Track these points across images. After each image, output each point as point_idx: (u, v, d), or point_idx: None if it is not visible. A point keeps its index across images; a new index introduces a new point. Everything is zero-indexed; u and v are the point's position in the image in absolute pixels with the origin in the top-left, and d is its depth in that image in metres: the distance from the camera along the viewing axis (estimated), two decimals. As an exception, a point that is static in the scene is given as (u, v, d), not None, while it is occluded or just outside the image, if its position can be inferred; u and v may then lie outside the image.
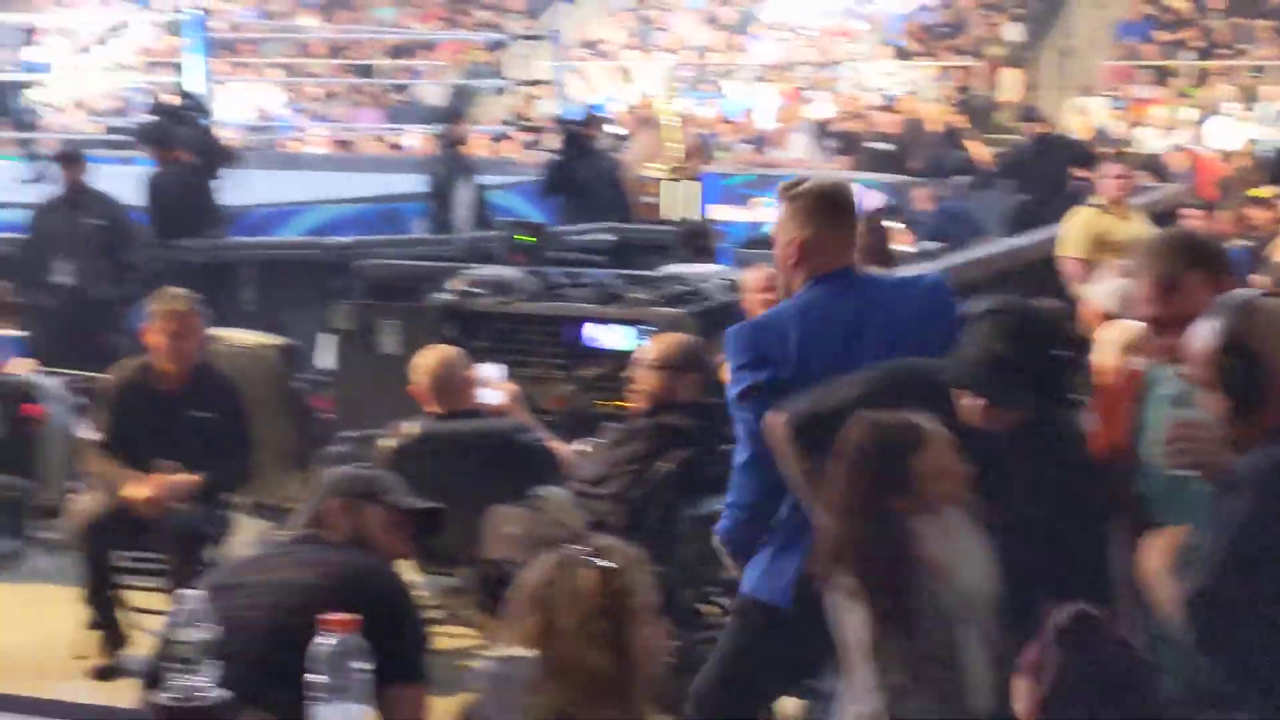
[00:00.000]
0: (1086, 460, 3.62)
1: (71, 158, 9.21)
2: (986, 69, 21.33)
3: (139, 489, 5.76)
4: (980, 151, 15.88)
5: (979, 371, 3.55)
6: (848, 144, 17.27)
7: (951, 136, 16.23)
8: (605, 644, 2.68)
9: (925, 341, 3.76)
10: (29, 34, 15.47)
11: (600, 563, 2.73)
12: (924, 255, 9.15)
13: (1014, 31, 22.11)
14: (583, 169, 11.52)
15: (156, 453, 5.90)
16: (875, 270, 7.72)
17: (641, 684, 2.73)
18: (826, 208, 3.94)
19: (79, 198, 9.05)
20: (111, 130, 13.91)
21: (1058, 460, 3.58)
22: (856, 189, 5.51)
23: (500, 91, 18.49)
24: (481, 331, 7.16)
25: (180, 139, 9.85)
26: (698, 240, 8.10)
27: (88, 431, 6.22)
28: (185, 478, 5.81)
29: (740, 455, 3.90)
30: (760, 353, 3.84)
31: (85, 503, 6.00)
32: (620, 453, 5.16)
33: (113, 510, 5.81)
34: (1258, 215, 10.73)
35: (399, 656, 3.22)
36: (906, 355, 3.75)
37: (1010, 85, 21.25)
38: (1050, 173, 12.47)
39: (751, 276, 6.82)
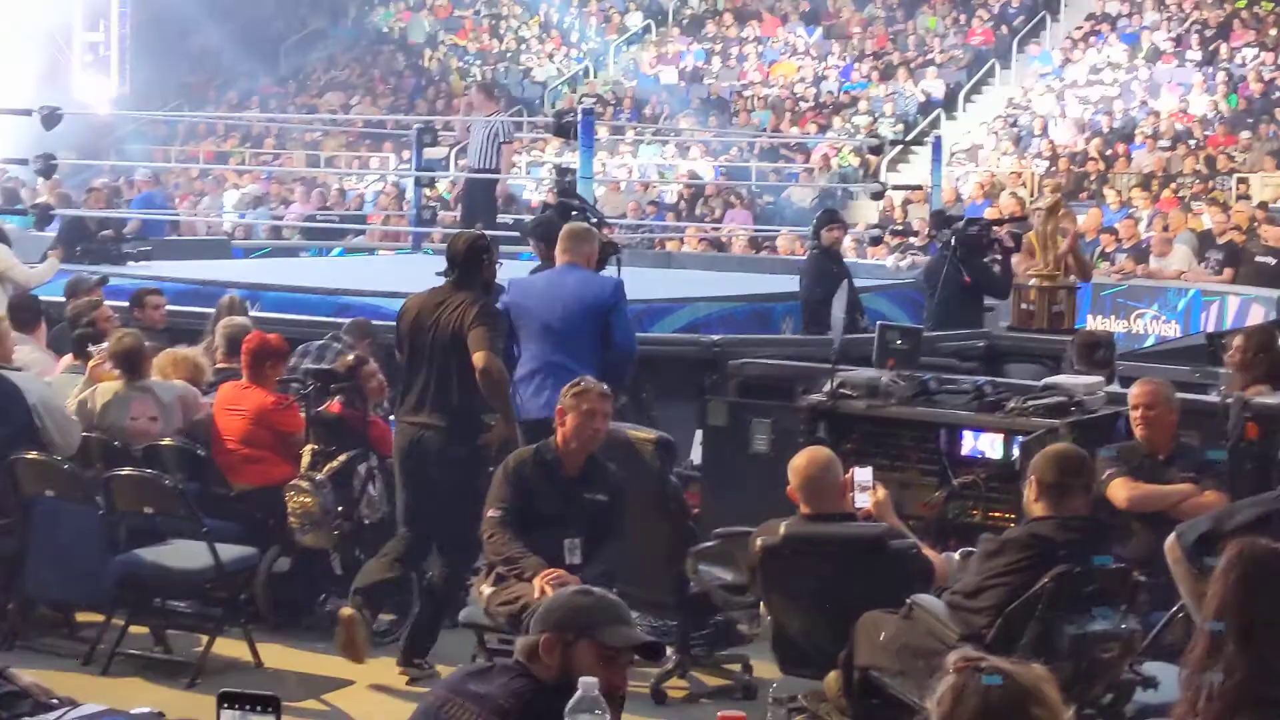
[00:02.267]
0: None
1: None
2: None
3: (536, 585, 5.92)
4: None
5: None
6: (1232, 256, 16.62)
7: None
8: None
9: None
10: (432, 134, 16.32)
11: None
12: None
13: None
14: (971, 270, 11.46)
15: (551, 531, 6.13)
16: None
17: None
18: None
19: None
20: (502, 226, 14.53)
21: None
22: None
23: (875, 196, 18.53)
24: (852, 434, 7.17)
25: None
26: (1096, 352, 7.92)
27: (490, 509, 6.40)
28: (569, 576, 5.93)
29: None
30: None
31: (516, 586, 6.06)
32: (997, 563, 5.06)
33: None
34: None
35: None
36: None
37: None
38: None
39: (1136, 391, 6.65)
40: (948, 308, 11.51)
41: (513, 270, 11.32)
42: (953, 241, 11.31)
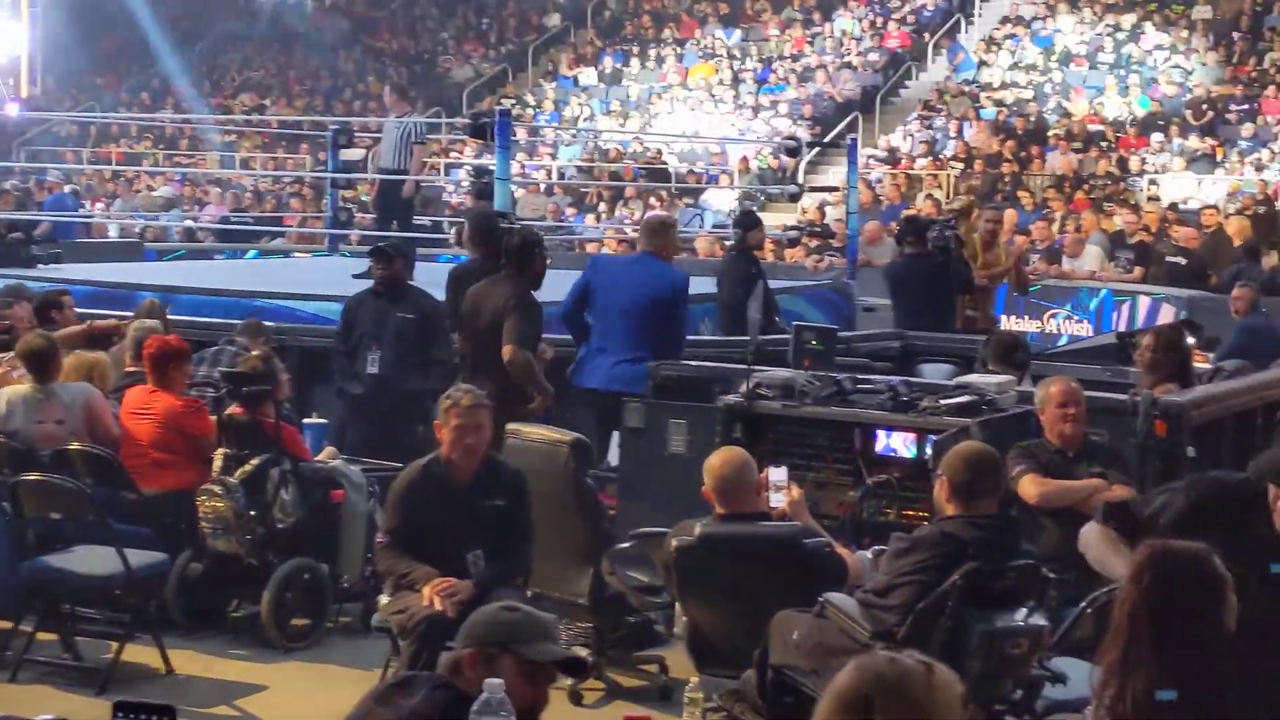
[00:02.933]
0: None
1: (382, 252, 9.55)
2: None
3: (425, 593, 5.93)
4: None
5: None
6: (1143, 256, 16.85)
7: (1253, 252, 15.69)
8: None
9: None
10: (348, 135, 16.20)
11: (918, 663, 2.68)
12: (1226, 372, 8.82)
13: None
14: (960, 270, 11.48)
15: (447, 544, 6.09)
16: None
17: None
18: None
19: (391, 291, 9.39)
20: (418, 228, 14.46)
21: None
22: None
23: (793, 198, 18.62)
24: (769, 434, 7.19)
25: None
26: (1015, 353, 7.99)
27: (384, 520, 6.44)
28: (459, 583, 5.95)
29: None
30: None
31: (410, 599, 6.07)
32: (907, 561, 5.09)
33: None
34: None
35: None
36: None
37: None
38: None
39: (1055, 390, 6.71)
40: (953, 308, 11.58)
41: (432, 271, 11.31)
42: (949, 245, 11.34)
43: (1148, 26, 25.58)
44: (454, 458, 6.20)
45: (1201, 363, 9.46)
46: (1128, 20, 25.96)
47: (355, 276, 11.78)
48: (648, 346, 8.45)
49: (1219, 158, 21.95)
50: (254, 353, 8.04)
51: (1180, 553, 3.25)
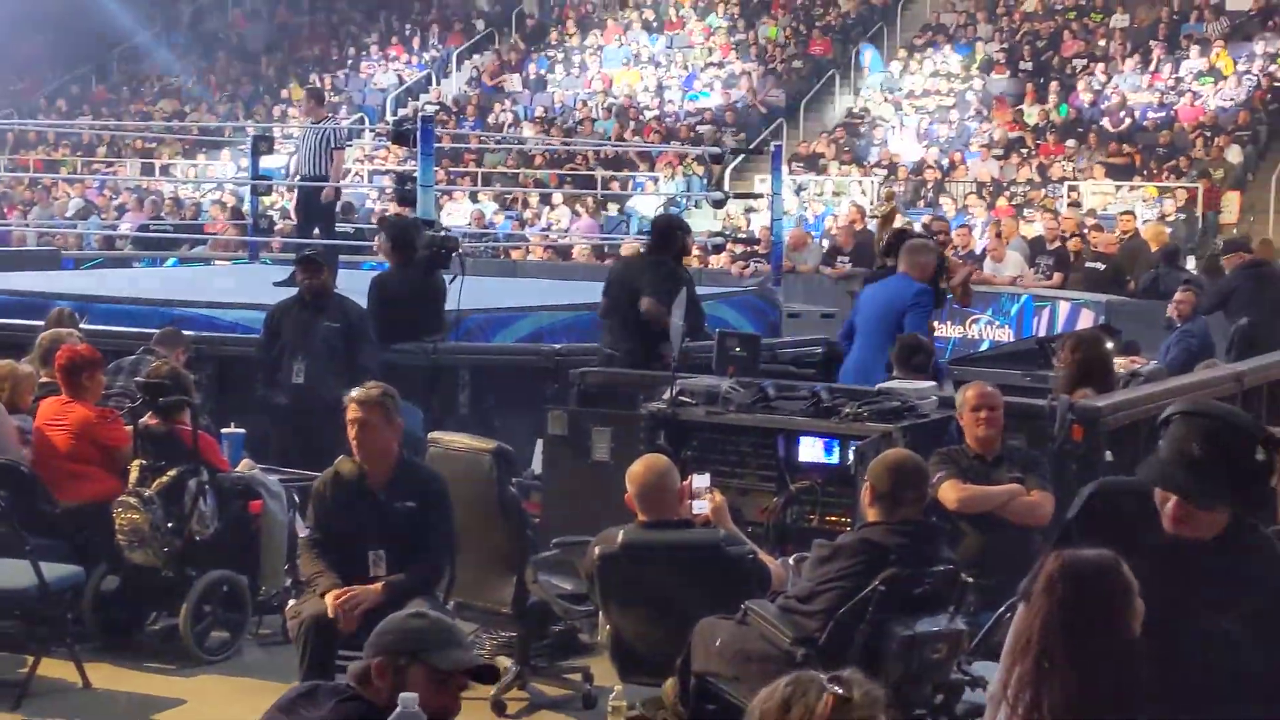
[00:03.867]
0: None
1: (309, 261, 9.48)
2: (1207, 190, 20.94)
3: (328, 603, 5.91)
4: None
5: (1173, 471, 3.47)
6: (1062, 262, 17.02)
7: (1171, 257, 15.90)
8: None
9: None
10: (269, 142, 16.06)
11: (833, 691, 2.68)
12: (1142, 377, 8.92)
13: (1235, 154, 21.71)
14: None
15: (359, 548, 6.05)
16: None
17: None
18: None
19: (317, 300, 9.32)
20: (340, 235, 14.36)
21: (1256, 574, 3.49)
22: None
23: (717, 205, 18.65)
24: (693, 441, 7.19)
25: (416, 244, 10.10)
26: (914, 356, 8.02)
27: (303, 529, 6.39)
28: (365, 589, 5.92)
29: None
30: None
31: (307, 601, 6.10)
32: (829, 568, 5.10)
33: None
34: None
35: None
36: None
37: (1230, 208, 20.84)
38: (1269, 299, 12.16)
39: (974, 394, 6.75)
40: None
41: (355, 279, 11.25)
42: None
43: (1066, 35, 25.86)
44: (360, 458, 6.19)
45: (1136, 365, 9.58)
46: (1046, 28, 26.24)
47: (276, 284, 11.67)
48: (881, 355, 8.87)
49: (1137, 164, 22.23)
50: (156, 363, 7.92)
51: (1091, 563, 3.26)
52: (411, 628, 3.66)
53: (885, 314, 8.94)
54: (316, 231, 13.07)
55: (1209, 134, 22.20)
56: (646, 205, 23.25)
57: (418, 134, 11.95)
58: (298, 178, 13.83)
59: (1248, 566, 3.49)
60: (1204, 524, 3.49)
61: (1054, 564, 3.23)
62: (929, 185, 22.71)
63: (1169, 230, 17.97)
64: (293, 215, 15.58)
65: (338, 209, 14.49)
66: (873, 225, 13.46)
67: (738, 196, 20.66)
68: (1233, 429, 3.52)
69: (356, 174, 23.60)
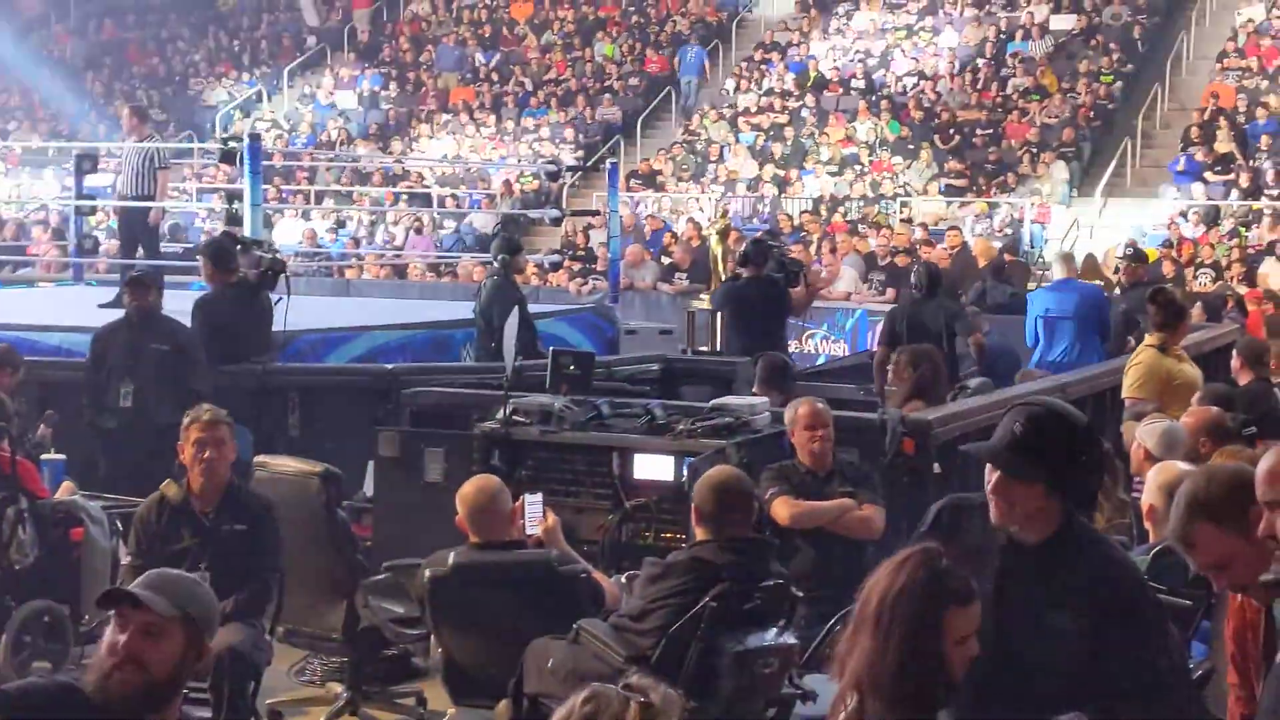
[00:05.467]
0: (1116, 573, 3.66)
1: (138, 282, 9.26)
2: (1035, 206, 21.44)
3: None
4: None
5: (995, 447, 3.70)
6: (895, 277, 17.29)
7: (998, 272, 16.22)
8: None
9: None
10: (93, 160, 15.66)
11: (637, 699, 2.67)
12: (970, 390, 9.07)
13: (1061, 170, 22.26)
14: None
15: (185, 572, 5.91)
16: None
17: None
18: None
19: (145, 321, 9.10)
20: (165, 255, 14.05)
21: (1088, 571, 3.61)
22: None
23: (555, 222, 18.64)
24: (527, 460, 7.14)
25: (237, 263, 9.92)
26: (783, 378, 8.09)
27: (126, 555, 6.23)
28: None
29: None
30: None
31: None
32: (661, 586, 5.08)
33: None
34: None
35: None
36: None
37: (1058, 223, 21.36)
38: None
39: (805, 411, 6.79)
40: (785, 330, 11.66)
41: (183, 300, 11.00)
42: (790, 268, 11.44)
43: (897, 54, 26.32)
44: (195, 479, 6.11)
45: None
46: (878, 47, 26.67)
47: (101, 306, 11.40)
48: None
49: (967, 181, 22.68)
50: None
51: (914, 553, 3.39)
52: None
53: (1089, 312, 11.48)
54: (141, 252, 12.77)
55: (1035, 150, 22.74)
56: (483, 222, 23.15)
57: (245, 152, 11.75)
58: (118, 197, 13.50)
59: (1080, 565, 3.62)
60: (1026, 511, 3.65)
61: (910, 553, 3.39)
62: (765, 201, 22.93)
63: (997, 245, 18.34)
64: (116, 236, 15.24)
65: (164, 229, 14.19)
66: (712, 242, 13.55)
67: (575, 214, 20.72)
68: (1055, 415, 3.73)
69: (184, 193, 23.17)
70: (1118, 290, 14.36)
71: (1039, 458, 3.62)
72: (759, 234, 14.17)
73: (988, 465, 3.72)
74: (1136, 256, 12.97)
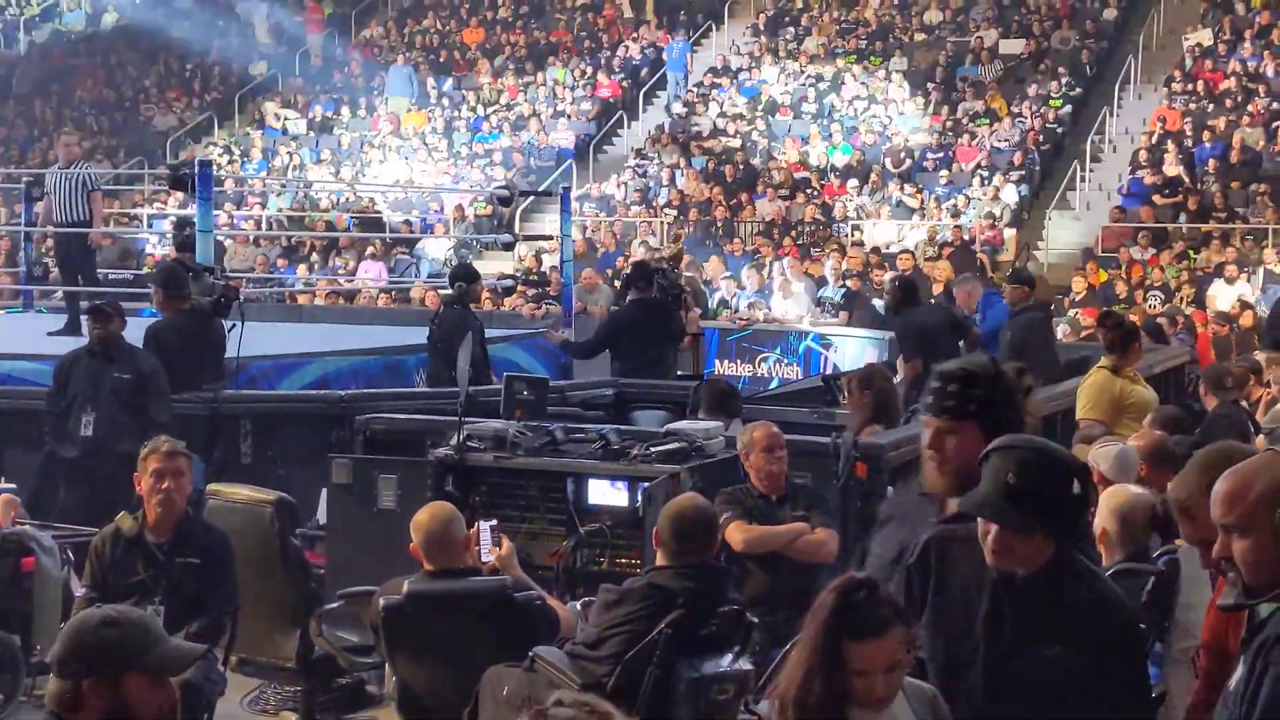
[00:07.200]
0: (1108, 604, 3.66)
1: (100, 311, 9.19)
2: (986, 228, 21.58)
3: None
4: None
5: (991, 500, 3.57)
6: (847, 301, 17.36)
7: (950, 295, 16.29)
8: None
9: None
10: (42, 186, 15.54)
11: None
12: (919, 414, 9.08)
13: (1011, 193, 22.43)
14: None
15: (139, 603, 5.86)
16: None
17: None
18: None
19: (107, 350, 9.03)
20: (116, 282, 13.95)
21: (1079, 604, 3.59)
22: None
23: (507, 247, 18.63)
24: (481, 486, 7.11)
25: (189, 290, 9.87)
26: (730, 400, 8.09)
27: (80, 587, 6.18)
28: None
29: None
30: None
31: None
32: (617, 613, 5.08)
33: None
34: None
35: None
36: None
37: (1008, 245, 21.51)
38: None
39: (759, 435, 6.80)
40: (676, 354, 11.60)
41: (134, 325, 10.93)
42: (677, 291, 11.42)
43: (848, 78, 26.46)
44: (151, 510, 6.09)
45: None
46: (829, 71, 26.82)
47: (51, 334, 11.31)
48: None
49: (918, 204, 22.81)
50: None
51: (846, 580, 3.50)
52: (110, 639, 3.44)
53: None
54: (79, 279, 12.67)
55: (986, 174, 22.90)
56: (436, 248, 23.11)
57: (195, 179, 11.68)
58: (53, 226, 13.38)
59: (1070, 597, 3.60)
60: (1024, 554, 3.59)
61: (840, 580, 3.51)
62: (717, 225, 22.99)
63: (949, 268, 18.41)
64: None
65: (113, 255, 14.09)
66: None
67: (528, 239, 20.71)
68: (1047, 458, 3.63)
69: (135, 220, 23.04)
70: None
71: (1035, 507, 3.54)
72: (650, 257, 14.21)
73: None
74: (1021, 279, 12.28)
